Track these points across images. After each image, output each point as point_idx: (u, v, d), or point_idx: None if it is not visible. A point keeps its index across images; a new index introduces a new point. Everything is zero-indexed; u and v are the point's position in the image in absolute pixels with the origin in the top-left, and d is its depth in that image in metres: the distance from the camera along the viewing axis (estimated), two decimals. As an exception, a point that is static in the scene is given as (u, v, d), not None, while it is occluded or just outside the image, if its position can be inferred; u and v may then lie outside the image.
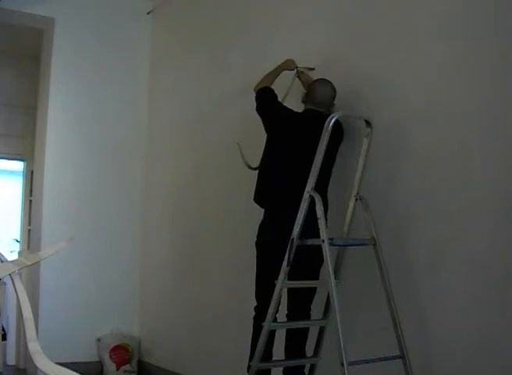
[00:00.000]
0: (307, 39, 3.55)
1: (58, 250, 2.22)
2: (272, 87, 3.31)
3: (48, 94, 4.95)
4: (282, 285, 2.80)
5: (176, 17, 5.13)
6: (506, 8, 2.50)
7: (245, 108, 3.74)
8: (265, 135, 3.25)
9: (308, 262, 2.92)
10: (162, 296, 4.93)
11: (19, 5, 4.80)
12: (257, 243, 3.15)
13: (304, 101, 3.22)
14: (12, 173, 8.83)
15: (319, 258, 2.67)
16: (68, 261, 4.71)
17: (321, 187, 2.85)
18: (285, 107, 3.25)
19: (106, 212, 5.15)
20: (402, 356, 2.65)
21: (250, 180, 3.31)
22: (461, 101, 2.66)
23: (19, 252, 5.96)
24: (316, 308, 3.05)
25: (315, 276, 3.01)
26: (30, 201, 5.47)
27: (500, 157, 2.48)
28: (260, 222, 3.16)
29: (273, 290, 2.81)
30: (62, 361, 1.93)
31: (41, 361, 1.79)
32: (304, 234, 2.74)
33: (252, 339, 3.08)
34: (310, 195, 2.70)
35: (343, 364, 2.41)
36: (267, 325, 2.83)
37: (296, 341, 3.08)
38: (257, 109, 3.31)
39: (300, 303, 3.09)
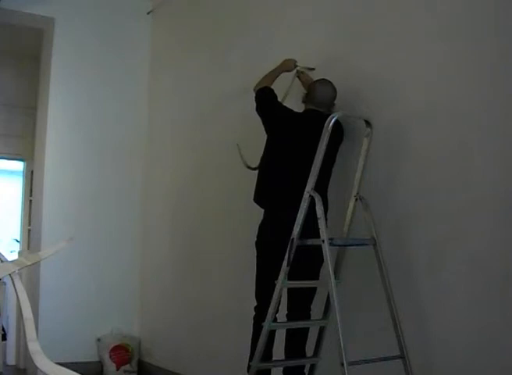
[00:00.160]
0: (307, 39, 3.55)
1: (58, 250, 2.22)
2: (272, 87, 3.31)
3: (48, 94, 4.95)
4: (282, 285, 2.79)
5: (176, 17, 5.13)
6: (506, 8, 2.50)
7: (245, 109, 3.74)
8: (265, 135, 3.25)
9: (308, 262, 2.92)
10: (162, 296, 4.93)
11: (19, 5, 4.80)
12: (257, 243, 3.15)
13: (304, 102, 3.22)
14: (12, 173, 8.83)
15: (319, 258, 2.67)
16: (68, 261, 4.71)
17: (321, 187, 2.85)
18: (285, 107, 3.25)
19: (106, 212, 5.15)
20: (402, 356, 2.65)
21: (250, 180, 3.31)
22: (461, 101, 2.66)
23: (19, 252, 5.95)
24: (316, 308, 3.05)
25: (315, 276, 3.01)
26: (30, 201, 5.47)
27: (500, 157, 2.48)
28: (260, 222, 3.16)
29: (273, 290, 2.81)
30: (62, 361, 1.93)
31: (41, 361, 1.79)
32: (303, 234, 2.73)
33: (252, 339, 3.08)
34: (310, 195, 2.70)
35: (343, 364, 2.41)
36: (267, 325, 2.83)
37: (296, 341, 3.08)
38: (257, 109, 3.31)
39: (300, 303, 3.09)
